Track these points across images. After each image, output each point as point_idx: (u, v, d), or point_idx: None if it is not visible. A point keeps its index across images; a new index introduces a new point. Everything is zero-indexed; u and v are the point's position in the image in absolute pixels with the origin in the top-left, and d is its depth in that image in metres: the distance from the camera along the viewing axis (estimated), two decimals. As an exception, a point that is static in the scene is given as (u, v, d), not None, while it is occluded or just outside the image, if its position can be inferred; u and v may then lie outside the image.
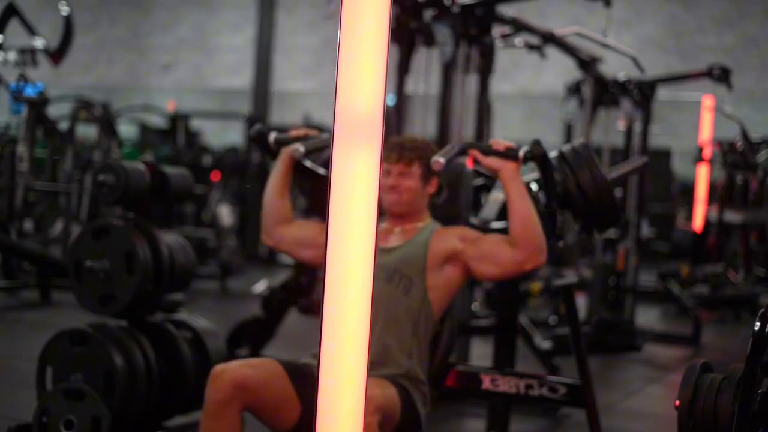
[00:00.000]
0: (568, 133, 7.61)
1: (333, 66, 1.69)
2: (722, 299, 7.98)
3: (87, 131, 10.26)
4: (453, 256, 2.95)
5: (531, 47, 6.31)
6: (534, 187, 3.19)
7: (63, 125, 8.33)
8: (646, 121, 7.17)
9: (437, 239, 2.98)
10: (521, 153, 2.97)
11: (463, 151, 3.04)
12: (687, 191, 11.59)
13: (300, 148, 3.04)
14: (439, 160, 2.90)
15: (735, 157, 8.30)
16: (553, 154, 3.16)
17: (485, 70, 5.25)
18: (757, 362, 2.30)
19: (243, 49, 15.33)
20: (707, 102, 8.59)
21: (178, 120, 11.96)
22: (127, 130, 13.27)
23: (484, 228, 3.31)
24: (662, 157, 12.40)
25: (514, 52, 7.52)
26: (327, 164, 3.20)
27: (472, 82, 5.26)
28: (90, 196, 7.80)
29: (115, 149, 8.54)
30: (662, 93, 7.64)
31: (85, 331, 3.21)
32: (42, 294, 6.75)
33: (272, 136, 3.17)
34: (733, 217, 8.37)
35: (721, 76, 6.79)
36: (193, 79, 17.58)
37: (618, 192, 7.04)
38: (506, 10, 5.46)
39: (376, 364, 2.81)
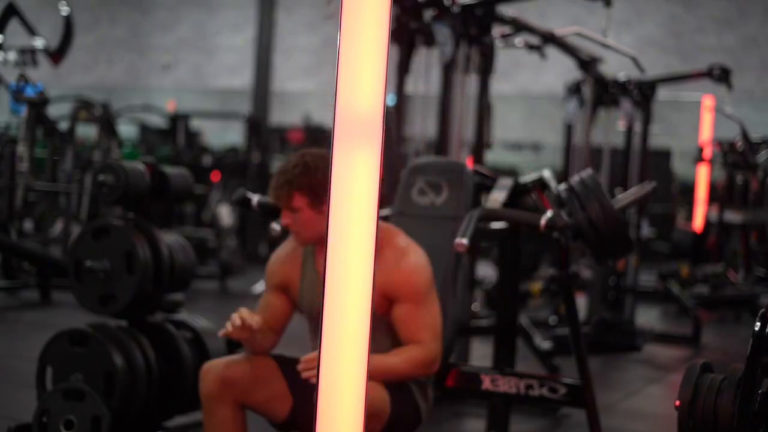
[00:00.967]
0: (568, 133, 7.62)
1: (333, 66, 1.69)
2: (722, 299, 7.97)
3: (87, 131, 10.26)
4: (390, 299, 2.80)
5: (531, 47, 6.31)
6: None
7: (63, 125, 8.33)
8: (646, 121, 7.18)
9: (383, 266, 2.74)
10: (543, 221, 2.96)
11: (481, 219, 3.01)
12: (687, 191, 11.61)
13: (276, 227, 3.07)
14: (462, 242, 2.83)
15: (735, 157, 8.30)
16: (562, 187, 3.17)
17: (485, 70, 5.25)
18: (758, 362, 2.30)
19: (243, 49, 15.33)
20: (707, 102, 8.59)
21: (178, 120, 11.96)
22: (127, 130, 13.28)
23: (484, 230, 3.31)
24: (662, 157, 12.40)
25: (514, 52, 7.52)
26: None
27: (472, 82, 5.26)
28: (90, 196, 7.80)
29: (115, 149, 8.54)
30: (662, 93, 7.64)
31: (85, 331, 3.21)
32: (42, 294, 6.75)
33: (255, 199, 3.23)
34: (733, 217, 8.37)
35: (721, 76, 6.80)
36: (193, 79, 17.58)
37: (618, 192, 7.05)
38: (506, 11, 5.46)
39: None
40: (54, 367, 3.28)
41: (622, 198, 3.34)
